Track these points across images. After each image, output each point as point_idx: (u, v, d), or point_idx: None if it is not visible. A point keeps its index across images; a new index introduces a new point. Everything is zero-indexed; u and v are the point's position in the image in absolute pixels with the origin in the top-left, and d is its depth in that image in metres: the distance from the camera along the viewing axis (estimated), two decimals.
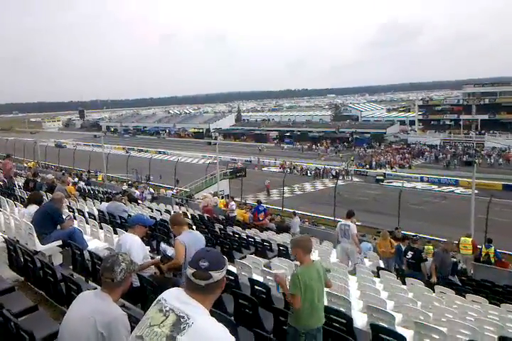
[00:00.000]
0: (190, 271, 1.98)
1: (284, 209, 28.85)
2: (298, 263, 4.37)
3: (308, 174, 47.67)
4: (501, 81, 75.19)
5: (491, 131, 58.06)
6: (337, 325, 4.56)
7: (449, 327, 5.47)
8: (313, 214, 28.35)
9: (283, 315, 4.33)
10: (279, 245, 10.70)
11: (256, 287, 5.62)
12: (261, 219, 16.60)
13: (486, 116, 60.19)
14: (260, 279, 6.39)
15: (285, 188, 33.52)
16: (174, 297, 1.97)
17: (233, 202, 18.59)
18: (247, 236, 11.78)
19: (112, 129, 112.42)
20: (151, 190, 24.26)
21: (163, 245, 5.88)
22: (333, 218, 25.73)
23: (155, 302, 2.01)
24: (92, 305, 2.55)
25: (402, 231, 13.87)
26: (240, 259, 8.14)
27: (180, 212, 16.27)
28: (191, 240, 4.78)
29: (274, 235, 13.83)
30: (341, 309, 5.24)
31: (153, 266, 5.22)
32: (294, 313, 3.99)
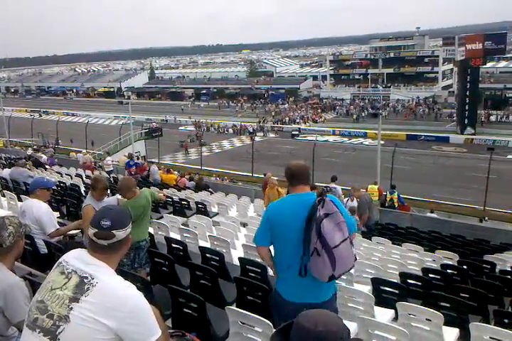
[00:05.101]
0: (91, 230, 1.89)
1: (203, 167, 28.93)
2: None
3: (225, 132, 47.74)
4: (404, 35, 78.49)
5: (396, 84, 61.24)
6: (252, 275, 4.76)
7: (355, 267, 5.90)
8: (232, 172, 28.73)
9: (199, 270, 4.41)
10: (197, 203, 10.73)
11: (173, 245, 5.64)
12: (133, 173, 16.45)
13: (391, 70, 63.02)
14: (178, 237, 6.42)
15: (203, 147, 33.40)
16: (76, 258, 1.88)
17: (109, 158, 20.42)
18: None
19: (12, 90, 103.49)
20: None
21: None
22: (251, 174, 26.39)
23: (56, 264, 1.91)
24: None
25: (316, 183, 14.43)
26: (158, 219, 8.09)
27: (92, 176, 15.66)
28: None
29: (192, 194, 13.83)
30: (257, 259, 5.44)
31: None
32: None
